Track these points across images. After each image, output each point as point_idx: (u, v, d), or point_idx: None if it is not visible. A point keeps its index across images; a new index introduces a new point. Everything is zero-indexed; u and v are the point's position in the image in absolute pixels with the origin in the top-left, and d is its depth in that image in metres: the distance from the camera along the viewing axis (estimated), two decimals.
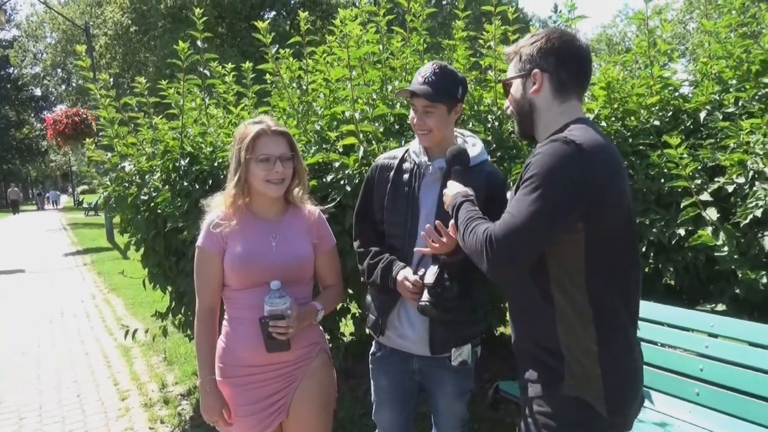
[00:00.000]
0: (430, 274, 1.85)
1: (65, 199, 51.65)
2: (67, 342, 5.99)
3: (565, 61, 1.55)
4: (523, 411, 1.61)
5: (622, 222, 1.50)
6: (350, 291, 3.46)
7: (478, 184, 1.95)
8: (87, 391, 4.56)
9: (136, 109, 3.87)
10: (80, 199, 37.54)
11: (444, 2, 26.82)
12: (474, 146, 2.06)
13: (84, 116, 14.09)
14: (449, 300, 1.86)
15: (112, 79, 3.88)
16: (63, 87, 44.25)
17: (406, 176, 2.07)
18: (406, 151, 2.14)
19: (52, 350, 5.72)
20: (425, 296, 1.83)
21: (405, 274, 1.94)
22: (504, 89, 1.68)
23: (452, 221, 1.75)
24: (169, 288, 3.75)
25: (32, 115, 47.67)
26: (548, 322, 1.51)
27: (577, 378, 1.48)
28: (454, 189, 1.78)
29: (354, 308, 3.64)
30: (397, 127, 3.36)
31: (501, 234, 1.42)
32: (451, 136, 2.07)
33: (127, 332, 4.17)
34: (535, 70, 1.56)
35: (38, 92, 48.21)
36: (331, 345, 3.62)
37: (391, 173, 2.10)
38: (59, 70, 40.83)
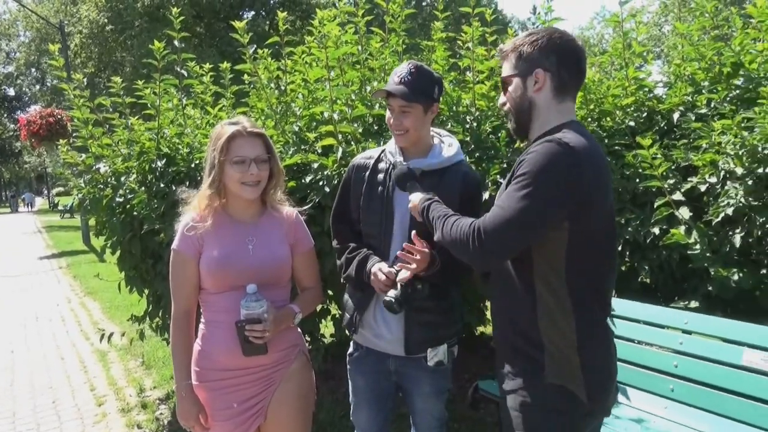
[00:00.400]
0: (403, 273, 1.86)
1: (40, 202, 50.62)
2: (42, 347, 5.87)
3: (566, 61, 1.58)
4: (504, 403, 1.65)
5: (605, 223, 1.55)
6: (330, 292, 3.45)
7: (454, 184, 1.98)
8: (62, 396, 4.47)
9: (110, 109, 3.81)
10: (55, 202, 36.87)
11: (423, 3, 26.92)
12: (450, 146, 2.07)
13: (59, 117, 13.85)
14: (418, 300, 1.88)
15: (87, 79, 3.82)
16: (37, 87, 43.47)
17: (381, 176, 2.08)
18: (382, 151, 2.15)
19: (27, 355, 5.61)
20: (392, 292, 1.84)
21: (379, 266, 1.95)
22: (503, 87, 1.68)
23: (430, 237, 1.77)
24: (146, 291, 3.70)
25: (5, 115, 46.60)
26: (531, 315, 1.56)
27: (558, 367, 1.54)
28: (416, 197, 1.84)
29: (334, 309, 3.64)
30: (375, 127, 3.36)
31: (490, 226, 1.47)
32: (427, 135, 2.07)
33: (102, 336, 4.11)
34: (538, 70, 1.57)
35: (11, 92, 47.22)
36: (311, 347, 3.62)
37: (367, 173, 2.11)
38: (33, 70, 40.09)
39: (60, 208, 29.66)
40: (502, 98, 1.71)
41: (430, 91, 1.97)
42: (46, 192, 49.89)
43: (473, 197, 2.02)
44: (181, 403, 1.99)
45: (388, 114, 2.03)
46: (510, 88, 1.65)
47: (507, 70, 1.66)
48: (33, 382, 4.84)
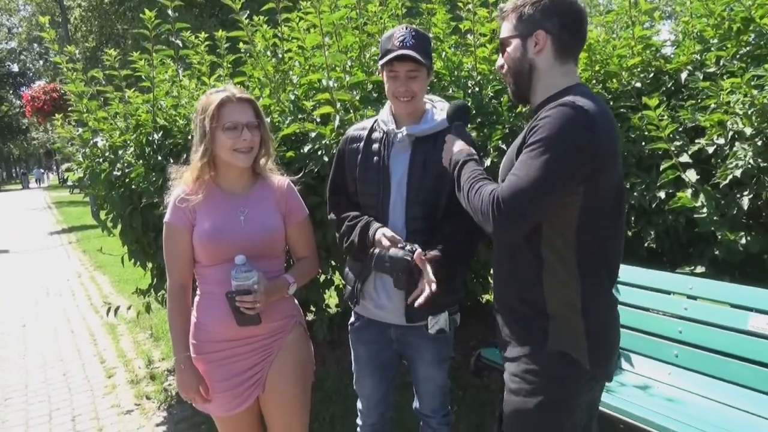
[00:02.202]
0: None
1: (51, 177, 50.88)
2: (53, 321, 5.95)
3: (568, 23, 1.54)
4: (507, 371, 1.64)
5: (615, 187, 1.53)
6: (333, 263, 3.44)
7: None
8: (73, 369, 4.54)
9: (104, 82, 3.75)
10: (65, 177, 37.09)
11: None
12: (442, 110, 2.02)
13: (63, 92, 13.78)
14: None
15: (89, 53, 3.76)
16: (41, 62, 43.24)
17: (375, 146, 2.05)
18: (375, 121, 2.11)
19: (38, 329, 5.69)
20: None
21: (383, 231, 1.92)
22: (501, 48, 1.63)
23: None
24: (150, 264, 3.70)
25: (10, 91, 46.50)
26: (536, 280, 1.55)
27: (562, 333, 1.53)
28: (457, 146, 1.74)
29: (338, 280, 3.62)
30: (375, 95, 3.29)
31: (508, 195, 1.43)
32: (423, 100, 2.04)
33: (109, 309, 4.14)
34: (539, 31, 1.53)
35: (15, 68, 47.02)
36: (316, 317, 3.63)
37: (361, 144, 2.08)
38: (36, 45, 39.84)
39: (69, 183, 29.83)
40: (500, 60, 1.66)
41: (431, 53, 1.97)
42: (55, 168, 50.08)
43: None
44: (180, 376, 1.99)
45: (389, 83, 1.96)
46: (509, 50, 1.60)
47: (506, 31, 1.61)
48: (44, 355, 4.92)
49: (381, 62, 1.93)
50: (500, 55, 1.65)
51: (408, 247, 1.86)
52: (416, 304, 1.82)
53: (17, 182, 49.62)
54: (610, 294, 1.61)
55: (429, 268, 1.82)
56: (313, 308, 3.70)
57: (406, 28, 1.92)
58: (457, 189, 1.66)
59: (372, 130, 2.09)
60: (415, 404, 2.23)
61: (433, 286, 1.79)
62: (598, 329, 1.55)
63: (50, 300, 6.91)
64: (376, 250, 1.90)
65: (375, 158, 2.03)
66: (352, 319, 2.21)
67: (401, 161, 1.99)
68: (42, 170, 50.86)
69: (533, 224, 1.49)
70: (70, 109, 3.64)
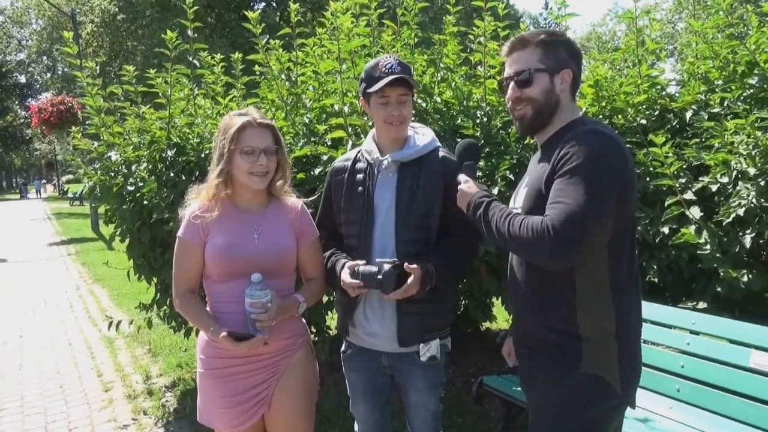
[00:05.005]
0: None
1: (50, 189, 50.95)
2: (50, 332, 5.93)
3: (580, 65, 1.67)
4: (533, 400, 1.66)
5: (634, 207, 1.60)
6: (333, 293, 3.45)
7: (435, 170, 2.01)
8: (70, 382, 4.52)
9: (122, 98, 3.82)
10: (65, 189, 37.10)
11: None
12: (424, 135, 2.09)
13: (69, 105, 13.91)
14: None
15: (98, 68, 3.84)
16: (48, 75, 43.66)
17: (360, 176, 2.08)
18: (359, 151, 2.15)
19: (35, 340, 5.67)
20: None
21: (343, 277, 1.96)
22: (522, 79, 1.62)
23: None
24: (155, 279, 3.73)
25: (16, 102, 46.87)
26: (569, 307, 1.55)
27: (596, 357, 1.54)
28: (473, 188, 1.74)
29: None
30: None
31: (563, 221, 1.44)
32: None
33: (110, 323, 4.14)
34: (566, 70, 1.62)
35: (23, 79, 47.46)
36: (317, 338, 3.64)
37: (346, 175, 2.12)
38: (44, 58, 40.26)
39: (69, 195, 29.87)
40: (513, 91, 1.64)
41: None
42: (55, 179, 50.19)
43: (452, 179, 1.98)
44: (214, 336, 1.93)
45: (380, 109, 1.98)
46: (536, 83, 1.61)
47: (529, 61, 1.61)
48: (41, 367, 4.89)
49: (374, 88, 1.94)
50: (515, 85, 1.64)
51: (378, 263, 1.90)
52: (391, 296, 1.87)
53: (16, 192, 49.62)
54: (639, 314, 1.65)
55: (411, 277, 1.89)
56: (314, 329, 3.71)
57: (390, 57, 1.99)
58: (485, 230, 1.64)
59: (356, 160, 2.13)
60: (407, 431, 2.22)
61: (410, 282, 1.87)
62: (630, 353, 1.58)
63: (48, 311, 6.88)
64: (360, 268, 1.94)
65: (360, 188, 2.06)
66: (344, 347, 2.23)
67: (388, 189, 2.02)
68: (43, 181, 50.93)
69: (587, 247, 1.48)
70: (87, 122, 3.70)
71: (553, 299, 1.59)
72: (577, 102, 1.71)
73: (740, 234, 2.61)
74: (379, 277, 1.86)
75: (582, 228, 1.44)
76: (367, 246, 2.03)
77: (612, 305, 1.54)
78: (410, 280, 1.88)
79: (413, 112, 2.29)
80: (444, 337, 2.10)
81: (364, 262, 1.97)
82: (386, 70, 1.95)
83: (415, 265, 1.88)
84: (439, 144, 2.10)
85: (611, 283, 1.54)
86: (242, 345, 1.87)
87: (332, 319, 3.91)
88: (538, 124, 1.66)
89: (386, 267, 1.85)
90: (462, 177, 1.80)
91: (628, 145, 3.07)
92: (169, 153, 3.42)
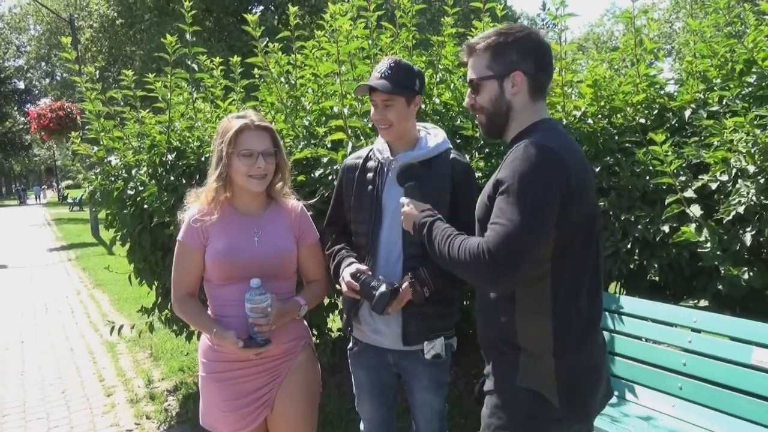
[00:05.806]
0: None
1: (50, 194, 50.97)
2: (52, 338, 5.93)
3: (542, 65, 1.55)
4: (484, 405, 1.63)
5: (586, 216, 1.51)
6: (338, 286, 3.46)
7: (444, 172, 2.01)
8: (72, 387, 4.51)
9: (121, 103, 3.83)
10: (64, 194, 37.10)
11: None
12: (436, 136, 2.09)
13: (69, 110, 13.93)
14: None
15: (97, 73, 3.85)
16: (47, 80, 43.70)
17: (370, 175, 2.09)
18: (371, 149, 2.16)
19: (37, 346, 5.66)
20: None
21: (346, 274, 1.98)
22: (472, 86, 1.60)
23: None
24: (156, 283, 3.72)
25: (15, 108, 46.88)
26: (509, 315, 1.53)
27: (531, 370, 1.51)
28: (417, 207, 1.74)
29: (341, 304, 3.64)
30: None
31: (499, 244, 1.39)
32: (413, 128, 2.09)
33: (113, 328, 4.14)
34: (517, 72, 1.53)
35: (21, 85, 47.50)
36: (318, 341, 3.63)
37: (356, 173, 2.12)
38: (43, 64, 40.30)
39: (69, 200, 29.87)
40: (470, 98, 1.62)
41: (411, 84, 2.00)
42: (55, 185, 50.20)
43: (465, 182, 2.02)
44: (218, 339, 1.94)
45: (372, 111, 2.03)
46: (485, 90, 1.57)
47: (478, 69, 1.57)
48: (43, 372, 4.89)
49: (359, 92, 2.04)
50: (469, 93, 1.62)
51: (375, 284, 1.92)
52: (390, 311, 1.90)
53: (14, 197, 49.65)
54: (591, 331, 1.57)
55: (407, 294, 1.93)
56: (315, 332, 3.71)
57: (388, 60, 2.00)
58: (429, 250, 1.62)
59: (367, 158, 2.14)
60: (413, 430, 2.23)
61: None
62: (572, 370, 1.51)
63: (49, 316, 6.88)
64: (363, 276, 1.95)
65: (369, 187, 2.07)
66: (350, 344, 2.24)
67: (397, 189, 2.00)
68: (43, 186, 50.94)
69: (523, 271, 1.42)
70: (87, 127, 3.71)
71: (497, 308, 1.57)
72: (545, 101, 1.61)
73: (740, 231, 2.62)
74: (375, 293, 1.87)
75: (520, 250, 1.39)
76: (374, 246, 2.04)
77: (551, 317, 1.49)
78: (394, 302, 1.90)
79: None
80: (449, 337, 2.10)
81: (366, 267, 1.99)
82: (377, 75, 1.98)
83: (406, 284, 1.92)
84: (450, 145, 2.10)
85: (552, 296, 1.48)
86: (249, 351, 1.88)
87: (334, 322, 3.91)
88: (493, 130, 1.63)
89: (383, 289, 1.87)
90: (404, 199, 1.81)
91: (627, 144, 3.10)
92: (169, 157, 3.42)
